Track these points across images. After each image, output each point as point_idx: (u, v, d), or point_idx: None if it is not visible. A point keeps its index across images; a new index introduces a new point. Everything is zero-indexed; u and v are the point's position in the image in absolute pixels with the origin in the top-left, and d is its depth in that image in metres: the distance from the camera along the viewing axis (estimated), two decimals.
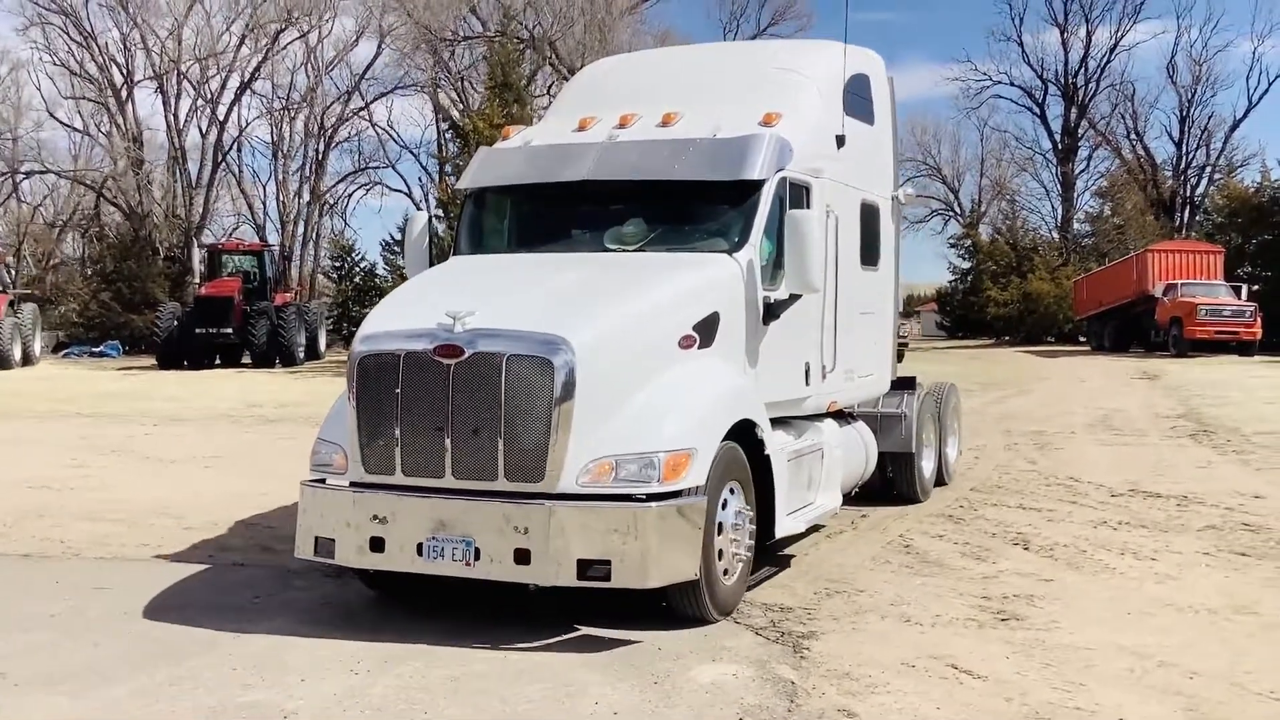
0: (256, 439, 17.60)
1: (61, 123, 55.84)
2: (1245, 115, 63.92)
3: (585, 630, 7.20)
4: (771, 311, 8.26)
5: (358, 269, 55.66)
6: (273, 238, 54.45)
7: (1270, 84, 64.51)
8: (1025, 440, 16.94)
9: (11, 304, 35.19)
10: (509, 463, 6.82)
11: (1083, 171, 67.50)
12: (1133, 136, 65.58)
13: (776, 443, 8.08)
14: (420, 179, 48.89)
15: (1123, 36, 65.08)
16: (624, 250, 8.34)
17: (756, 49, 12.88)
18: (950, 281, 68.99)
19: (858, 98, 10.04)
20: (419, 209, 41.21)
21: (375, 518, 7.01)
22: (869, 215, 10.25)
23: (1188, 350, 37.86)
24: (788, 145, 8.41)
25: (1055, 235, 65.56)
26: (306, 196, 55.44)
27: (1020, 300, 56.71)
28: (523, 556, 6.73)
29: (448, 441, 6.88)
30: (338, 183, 58.30)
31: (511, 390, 6.81)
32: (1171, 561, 9.15)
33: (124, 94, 52.24)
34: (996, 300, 57.99)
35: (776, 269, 8.32)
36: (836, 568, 8.98)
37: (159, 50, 51.67)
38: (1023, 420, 19.75)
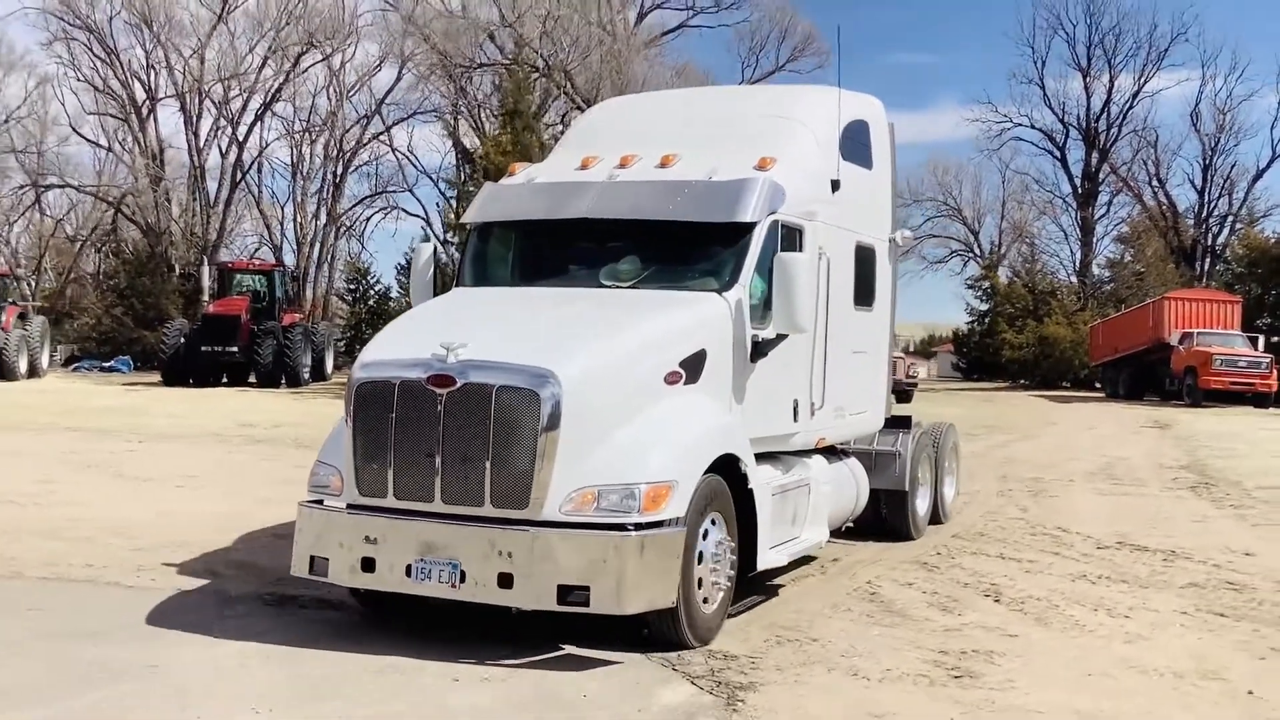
0: (240, 459, 17.41)
1: (85, 138, 56.30)
2: (1269, 165, 63.27)
3: (570, 649, 7.39)
4: (760, 350, 8.46)
5: (372, 292, 55.95)
6: (289, 259, 54.66)
7: None
8: (1021, 487, 16.57)
9: (21, 316, 35.28)
10: (495, 490, 7.06)
11: (1102, 217, 67.09)
12: (1154, 183, 65.23)
13: (761, 477, 8.27)
14: (438, 203, 48.94)
15: (1146, 83, 64.84)
16: (618, 287, 8.56)
17: (758, 93, 13.25)
18: (968, 323, 68.49)
19: (855, 143, 10.25)
20: (430, 235, 41.34)
21: (367, 539, 7.28)
22: (864, 257, 10.43)
23: (1202, 400, 37.30)
24: (780, 189, 8.64)
25: (1073, 279, 65.07)
26: (324, 219, 55.55)
27: (1036, 344, 56.16)
28: (506, 580, 6.96)
29: (438, 467, 7.14)
30: (354, 205, 58.43)
31: (500, 420, 7.05)
32: (1145, 620, 8.79)
33: (145, 111, 52.58)
34: (1012, 343, 57.46)
35: (766, 309, 8.50)
36: (795, 614, 8.67)
37: (182, 69, 52.09)
38: (1023, 466, 19.37)
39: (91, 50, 52.49)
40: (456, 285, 9.30)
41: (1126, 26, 65.78)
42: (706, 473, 7.56)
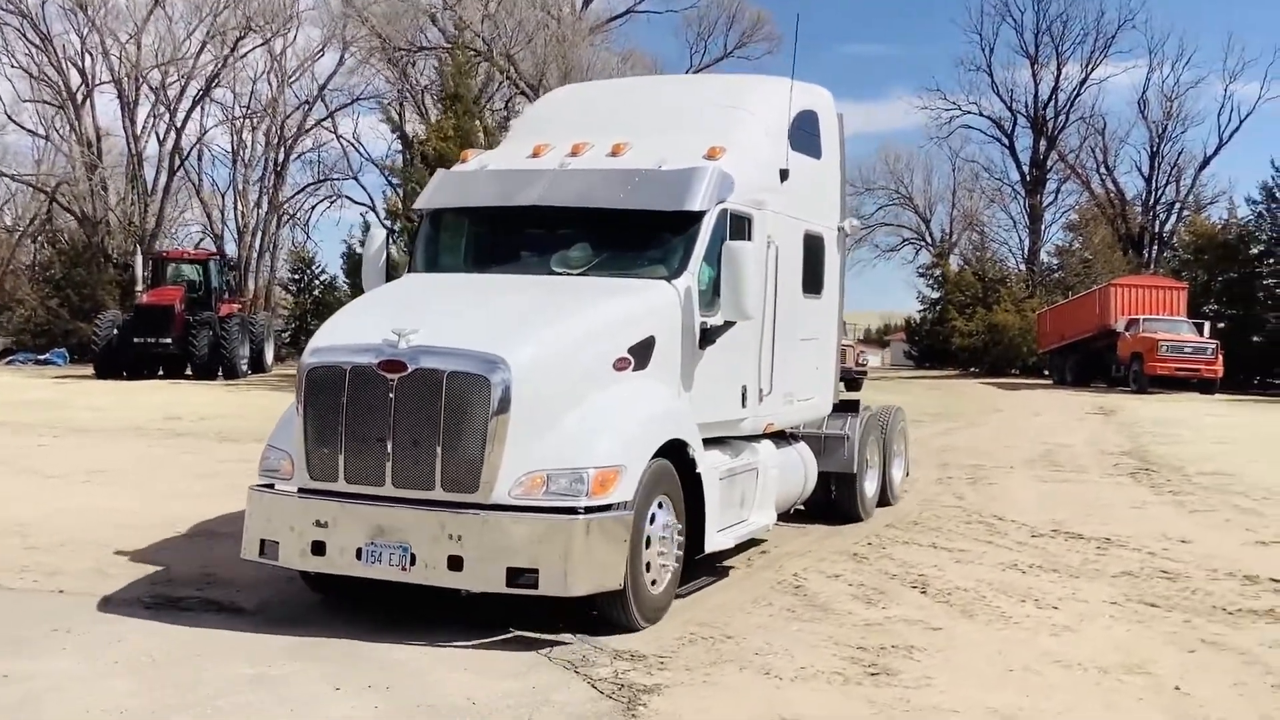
0: (157, 453, 16.78)
1: (20, 127, 54.89)
2: (1216, 152, 63.80)
3: (519, 633, 7.41)
4: (708, 336, 8.57)
5: (317, 282, 54.99)
6: (231, 248, 53.56)
7: (1241, 122, 64.42)
8: (960, 474, 16.31)
9: None
10: (446, 474, 7.13)
11: (1050, 204, 67.37)
12: (1102, 170, 65.56)
13: (709, 462, 8.40)
14: (384, 190, 48.08)
15: (1093, 70, 65.12)
16: (569, 274, 8.65)
17: (710, 83, 13.43)
18: (919, 311, 68.66)
19: (804, 133, 10.37)
20: (369, 223, 40.57)
21: (317, 523, 7.33)
22: (813, 245, 10.55)
23: (1148, 386, 37.41)
24: (729, 178, 8.74)
25: (1022, 267, 65.29)
26: (266, 207, 54.47)
27: (985, 332, 56.28)
28: (455, 563, 7.05)
29: (389, 452, 7.20)
30: (297, 193, 57.41)
31: (450, 405, 7.12)
32: (1074, 611, 8.49)
33: (81, 98, 51.27)
34: (961, 331, 57.56)
35: (715, 296, 8.56)
36: (714, 609, 8.30)
37: (119, 54, 50.84)
38: (964, 453, 19.14)
39: (25, 36, 51.13)
40: (409, 271, 9.39)
41: (1074, 13, 66.78)
42: (654, 457, 7.65)
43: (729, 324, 8.67)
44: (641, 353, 8.02)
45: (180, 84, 51.44)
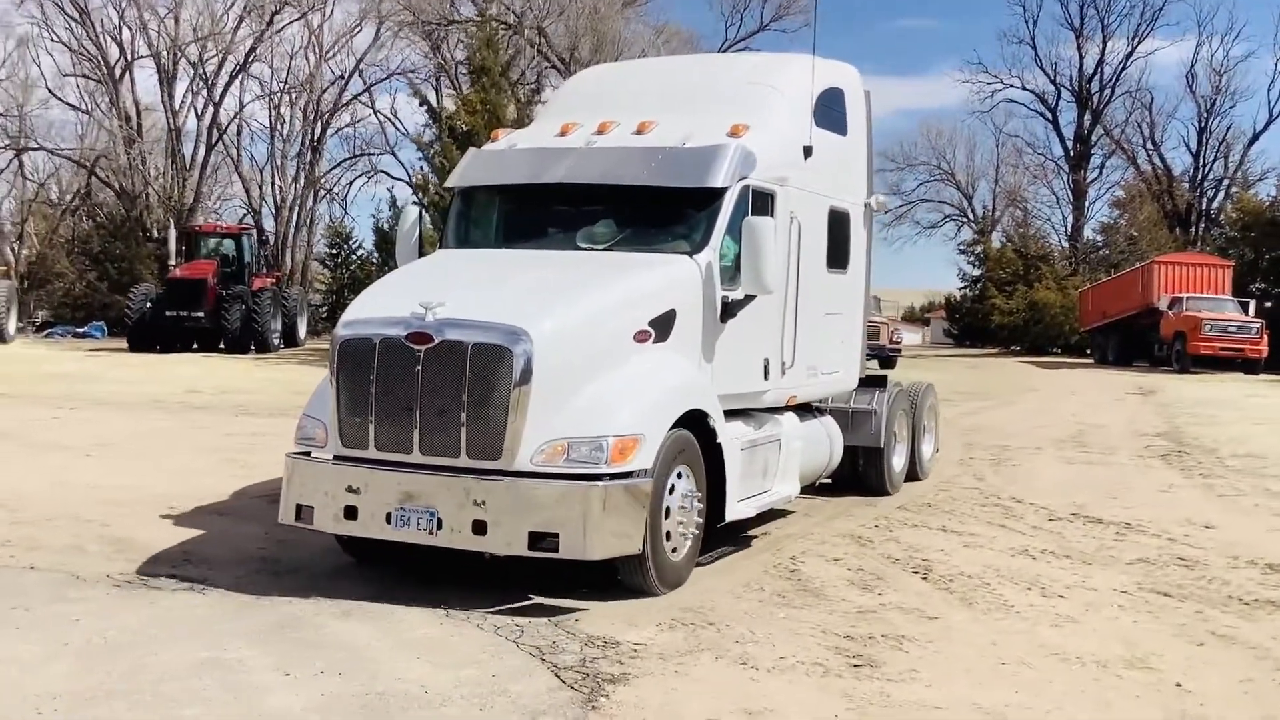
0: (168, 426, 16.68)
1: (62, 101, 55.17)
2: (1266, 128, 62.03)
3: (538, 599, 7.61)
4: (729, 310, 8.72)
5: (354, 257, 55.05)
6: (269, 223, 53.73)
7: None
8: (984, 455, 15.86)
9: None
10: (471, 442, 7.35)
11: (1095, 180, 66.01)
12: (1149, 146, 64.08)
13: (731, 432, 8.56)
14: (422, 167, 47.96)
15: (1140, 43, 63.57)
16: (594, 249, 8.83)
17: (735, 62, 13.44)
18: (960, 289, 67.65)
19: (829, 110, 10.49)
20: (399, 199, 40.40)
21: (350, 488, 7.59)
22: (838, 221, 10.70)
23: (1190, 366, 36.53)
24: (751, 155, 8.88)
25: (1065, 244, 64.14)
26: (303, 182, 54.52)
27: (1026, 310, 55.33)
28: (480, 527, 7.28)
29: (417, 420, 7.44)
30: (333, 168, 57.40)
31: (475, 375, 7.34)
32: (1080, 600, 8.11)
33: (120, 72, 51.46)
34: (1001, 309, 56.62)
35: (737, 271, 8.73)
36: (701, 593, 7.99)
37: (157, 28, 51.00)
38: (992, 434, 18.64)
39: (64, 10, 51.33)
40: (441, 247, 9.62)
41: None
42: (675, 427, 7.82)
43: (750, 298, 8.80)
44: (662, 325, 8.18)
45: (218, 59, 51.52)
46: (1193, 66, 63.21)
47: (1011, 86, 66.51)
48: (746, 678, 6.30)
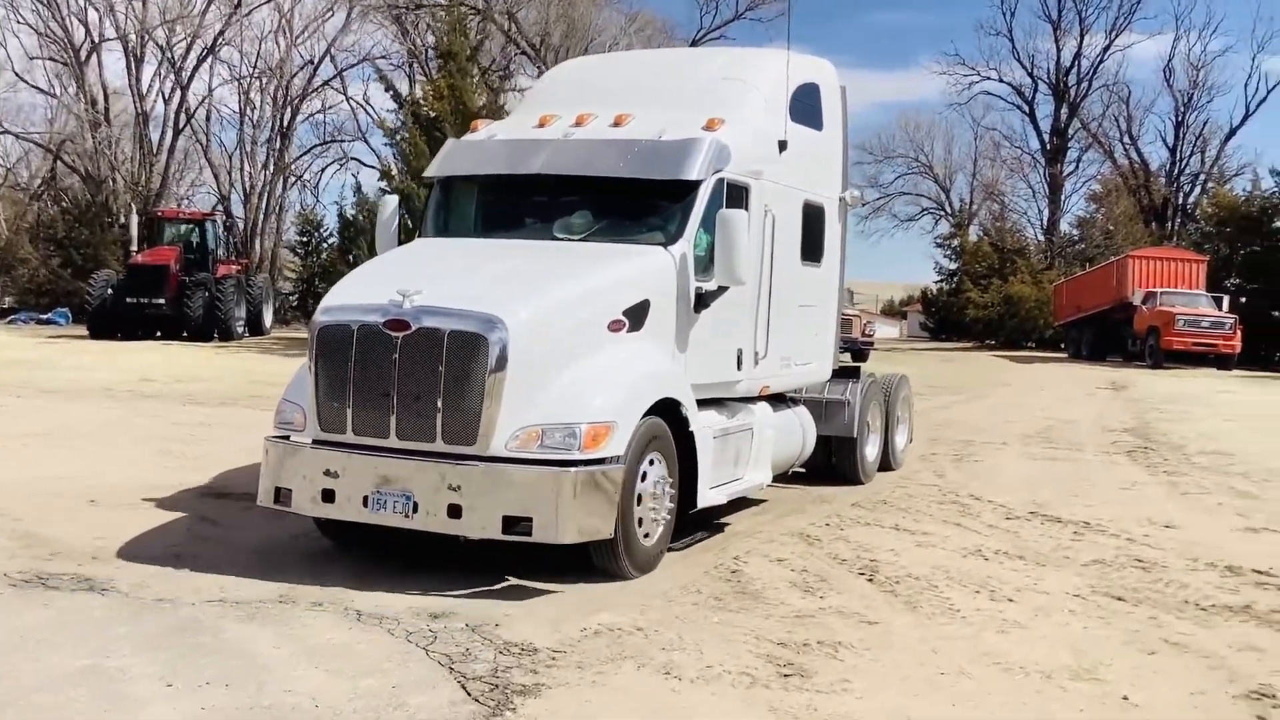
0: (114, 415, 16.17)
1: (30, 85, 54.20)
2: (1242, 123, 62.18)
3: (514, 581, 7.79)
4: (703, 301, 8.84)
5: (325, 244, 54.37)
6: (239, 209, 53.01)
7: (1269, 92, 63.15)
8: (947, 450, 15.55)
9: None
10: (446, 427, 7.47)
11: (1071, 174, 65.92)
12: (1126, 140, 64.00)
13: (703, 421, 8.72)
14: (394, 153, 47.35)
15: (1117, 36, 63.42)
16: (570, 239, 8.98)
17: (712, 56, 13.33)
18: (936, 282, 67.53)
19: (805, 105, 10.60)
20: (372, 187, 39.70)
21: (327, 472, 7.71)
22: (812, 215, 10.81)
23: (1164, 361, 36.45)
24: (726, 149, 9.00)
25: (1041, 238, 64.01)
26: (273, 169, 53.77)
27: (1001, 303, 55.17)
28: (455, 511, 7.41)
29: (393, 406, 7.55)
30: (302, 155, 56.62)
31: (451, 362, 7.45)
32: (1030, 605, 7.77)
33: (86, 55, 50.58)
34: (977, 302, 56.44)
35: (711, 262, 8.82)
36: (635, 594, 7.64)
37: (125, 11, 50.12)
38: (959, 428, 18.34)
39: None
40: (419, 235, 9.73)
41: None
42: (648, 415, 7.93)
43: (723, 289, 8.91)
44: (636, 315, 8.29)
45: (186, 42, 50.70)
46: (1170, 61, 63.28)
47: (989, 79, 66.46)
48: (668, 689, 5.93)
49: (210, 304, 33.74)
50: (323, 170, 58.59)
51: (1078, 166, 66.41)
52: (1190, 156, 62.94)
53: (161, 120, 51.66)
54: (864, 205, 48.51)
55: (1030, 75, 65.56)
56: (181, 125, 51.77)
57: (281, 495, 8.01)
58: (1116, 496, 12.36)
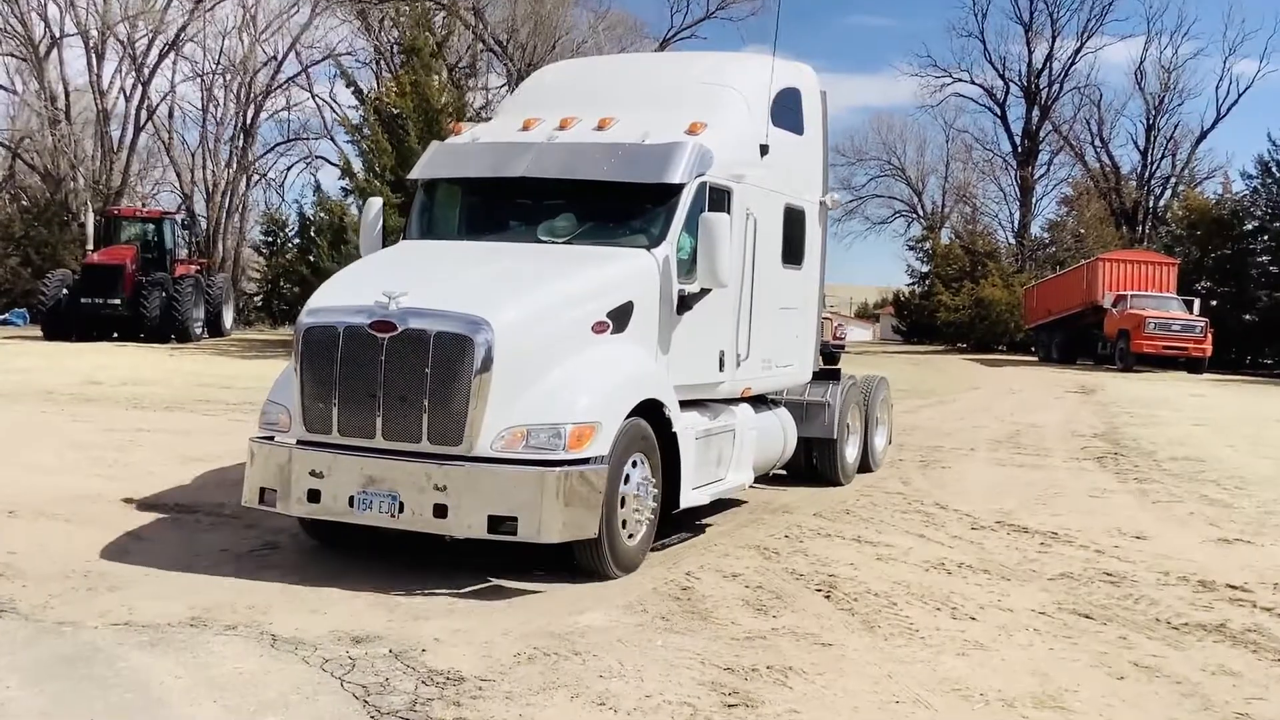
0: (48, 420, 15.55)
1: None
2: (1213, 126, 62.26)
3: (497, 582, 7.84)
4: (685, 303, 8.91)
5: (290, 244, 53.52)
6: (201, 208, 52.16)
7: (1240, 95, 63.02)
8: (914, 456, 15.17)
9: None
10: (432, 428, 7.53)
11: (1042, 176, 65.92)
12: (1097, 143, 64.02)
13: (685, 422, 8.81)
14: (358, 153, 46.60)
15: (1089, 39, 63.45)
16: (554, 242, 9.04)
17: (696, 60, 13.18)
18: (908, 285, 67.36)
19: (786, 109, 10.68)
20: (334, 185, 38.98)
21: (313, 472, 7.75)
22: (793, 218, 10.89)
23: (1134, 364, 36.32)
24: (709, 153, 9.08)
25: (1012, 241, 63.94)
26: (236, 167, 52.92)
27: (972, 306, 54.99)
28: (440, 511, 7.47)
29: (379, 407, 7.59)
30: (266, 152, 55.82)
31: (437, 363, 7.50)
32: (993, 623, 7.36)
33: (44, 50, 49.61)
34: (948, 305, 56.27)
35: (693, 265, 8.91)
36: (574, 617, 7.16)
37: (86, 5, 49.23)
38: (926, 433, 17.99)
39: None
40: (404, 238, 9.79)
41: None
42: (631, 416, 8.03)
43: (706, 291, 9.00)
44: (620, 317, 8.36)
45: (148, 37, 49.84)
46: (1141, 63, 63.37)
47: (960, 81, 66.38)
48: None
49: (167, 304, 33.03)
50: (288, 169, 58.06)
51: (1049, 169, 66.58)
52: (1161, 160, 63.16)
53: (123, 117, 50.75)
54: (837, 208, 48.45)
55: (1002, 77, 65.66)
56: (143, 122, 50.85)
57: (266, 496, 8.01)
58: (1085, 505, 12.01)
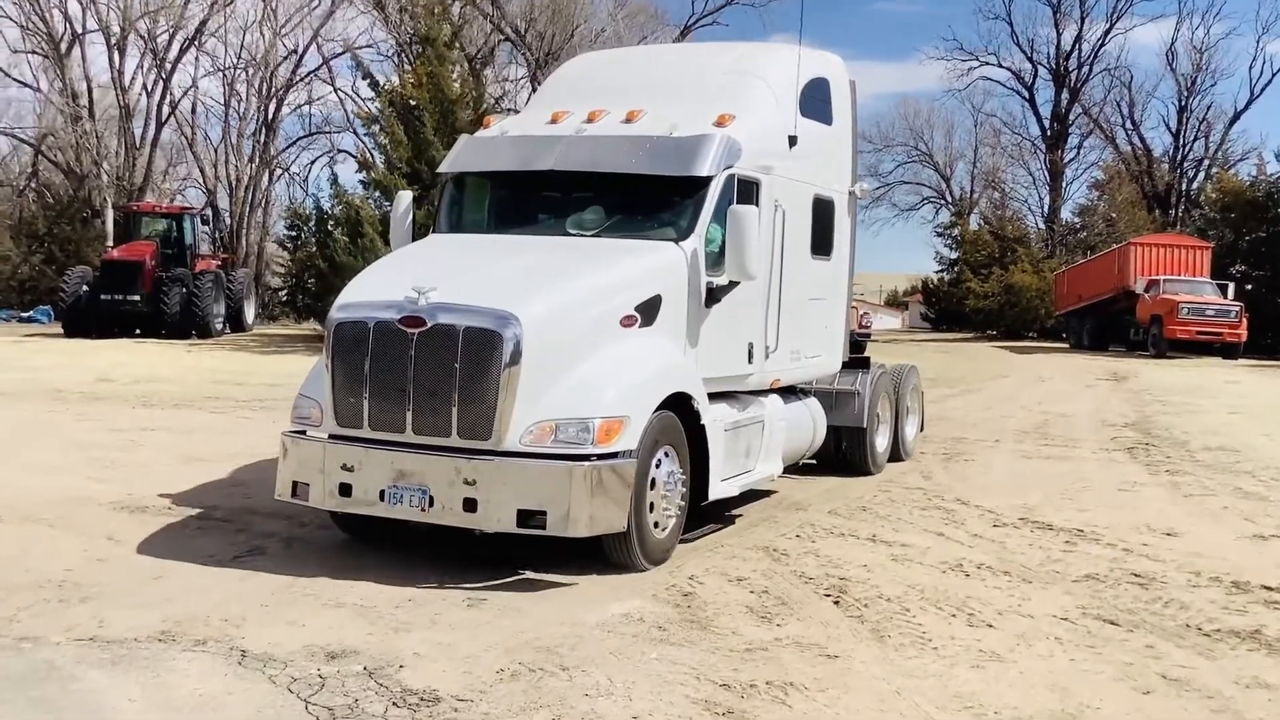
0: (53, 418, 15.32)
1: (15, 80, 53.24)
2: (1247, 107, 61.05)
3: (529, 574, 7.85)
4: (714, 296, 8.91)
5: (313, 239, 53.35)
6: (225, 203, 52.08)
7: (1274, 75, 61.70)
8: (937, 448, 14.69)
9: None
10: (462, 422, 7.55)
11: (1072, 160, 64.85)
12: (1128, 125, 62.94)
13: (714, 414, 8.78)
14: (374, 145, 46.27)
15: (1119, 19, 62.32)
16: (582, 235, 9.01)
17: (723, 51, 12.62)
18: (936, 272, 66.52)
19: (815, 100, 10.66)
20: (338, 179, 38.58)
21: (344, 466, 7.81)
22: (822, 209, 10.87)
23: (1167, 350, 35.54)
24: (737, 145, 9.04)
25: (1042, 226, 62.98)
26: (259, 161, 52.79)
27: (1001, 293, 54.16)
28: (470, 505, 7.50)
29: (409, 401, 7.63)
30: (289, 146, 55.69)
31: (466, 358, 7.52)
32: (1012, 630, 6.93)
33: (66, 47, 49.60)
34: (976, 292, 55.45)
35: (722, 257, 8.90)
36: (567, 624, 6.80)
37: (106, 2, 49.12)
38: (952, 424, 17.48)
39: None
40: (434, 232, 9.75)
41: None
42: (659, 409, 8.01)
43: (734, 284, 8.98)
44: (648, 310, 8.36)
45: (169, 33, 49.76)
46: (1173, 44, 62.24)
47: (988, 64, 65.43)
48: None
49: (187, 300, 32.89)
50: (311, 163, 57.87)
51: (1079, 153, 65.48)
52: (1194, 142, 61.99)
53: (145, 113, 50.72)
54: (866, 197, 48.05)
55: (1030, 60, 64.66)
56: (165, 118, 50.84)
57: (299, 489, 8.06)
58: (1114, 499, 11.53)
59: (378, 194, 28.93)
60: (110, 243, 34.28)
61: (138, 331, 33.64)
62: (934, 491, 11.62)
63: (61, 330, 33.53)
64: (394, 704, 5.47)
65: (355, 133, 52.93)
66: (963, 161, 71.75)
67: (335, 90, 53.88)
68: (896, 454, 13.12)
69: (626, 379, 8.00)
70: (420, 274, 7.93)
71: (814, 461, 11.95)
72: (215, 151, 53.96)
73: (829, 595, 7.62)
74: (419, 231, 10.23)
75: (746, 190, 9.23)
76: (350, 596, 7.27)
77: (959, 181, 72.04)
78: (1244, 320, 35.75)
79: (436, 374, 7.58)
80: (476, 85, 31.62)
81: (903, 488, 11.77)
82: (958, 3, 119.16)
